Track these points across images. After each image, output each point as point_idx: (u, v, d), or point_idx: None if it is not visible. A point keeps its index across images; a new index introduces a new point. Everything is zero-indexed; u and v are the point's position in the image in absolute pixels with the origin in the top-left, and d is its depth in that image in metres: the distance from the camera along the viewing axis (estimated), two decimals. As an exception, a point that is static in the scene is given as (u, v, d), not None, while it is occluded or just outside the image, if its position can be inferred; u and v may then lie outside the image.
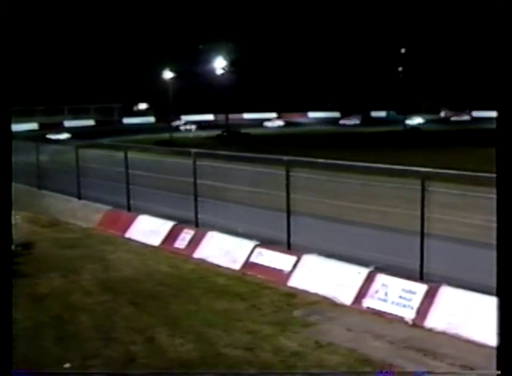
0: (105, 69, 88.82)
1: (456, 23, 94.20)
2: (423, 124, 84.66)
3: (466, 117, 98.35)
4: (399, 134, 69.89)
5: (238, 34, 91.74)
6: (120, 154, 19.17)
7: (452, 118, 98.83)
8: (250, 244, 14.41)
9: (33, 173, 23.65)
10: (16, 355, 9.45)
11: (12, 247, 16.12)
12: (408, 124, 77.78)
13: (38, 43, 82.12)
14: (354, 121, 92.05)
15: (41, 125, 76.43)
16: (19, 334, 10.39)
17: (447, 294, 10.63)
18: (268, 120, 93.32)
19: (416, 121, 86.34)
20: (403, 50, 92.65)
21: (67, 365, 9.03)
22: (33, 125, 75.72)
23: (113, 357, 9.38)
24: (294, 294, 12.35)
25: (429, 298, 10.74)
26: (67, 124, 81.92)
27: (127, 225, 17.94)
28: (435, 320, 10.44)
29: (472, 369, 8.63)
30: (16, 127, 68.67)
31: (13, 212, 17.29)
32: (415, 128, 75.10)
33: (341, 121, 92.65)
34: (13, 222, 16.32)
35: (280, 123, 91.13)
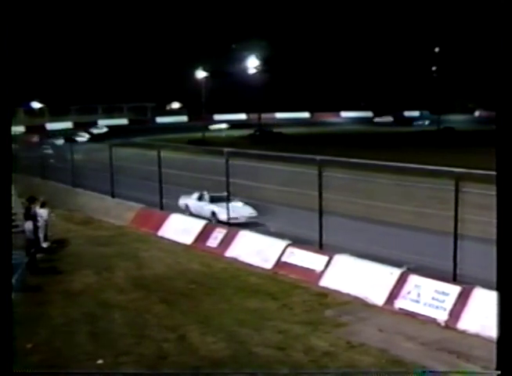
0: (139, 69, 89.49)
1: (490, 21, 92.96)
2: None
3: None
4: (433, 134, 69.13)
5: (271, 33, 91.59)
6: (154, 153, 19.30)
7: None
8: (282, 243, 14.39)
9: (67, 171, 23.98)
10: (51, 350, 9.61)
11: (48, 244, 16.44)
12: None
13: (74, 44, 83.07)
14: None
15: (76, 124, 77.31)
16: (54, 330, 10.57)
17: (481, 296, 10.47)
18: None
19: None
20: (437, 49, 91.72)
21: (100, 361, 9.13)
22: (68, 124, 76.79)
23: (145, 354, 9.46)
24: (326, 293, 12.31)
25: (462, 300, 10.62)
26: (101, 123, 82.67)
27: (159, 224, 18.07)
28: (468, 322, 10.31)
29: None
30: (52, 125, 69.94)
31: (49, 210, 17.57)
32: (449, 128, 74.11)
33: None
34: (47, 219, 16.61)
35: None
